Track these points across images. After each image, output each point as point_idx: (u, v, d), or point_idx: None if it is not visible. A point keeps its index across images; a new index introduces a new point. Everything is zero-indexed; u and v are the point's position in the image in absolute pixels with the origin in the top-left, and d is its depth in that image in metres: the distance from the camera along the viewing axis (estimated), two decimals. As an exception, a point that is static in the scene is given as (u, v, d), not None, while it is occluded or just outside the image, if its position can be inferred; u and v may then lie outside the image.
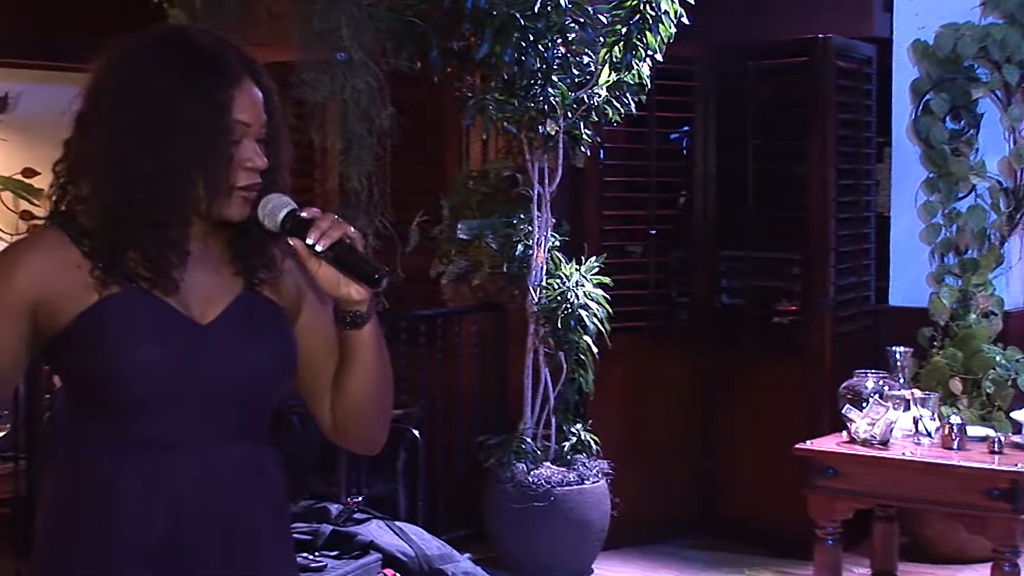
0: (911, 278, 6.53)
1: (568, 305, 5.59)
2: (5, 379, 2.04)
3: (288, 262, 2.10)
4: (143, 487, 1.98)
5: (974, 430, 4.76)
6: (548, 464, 5.68)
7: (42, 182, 8.02)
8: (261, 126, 2.02)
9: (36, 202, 7.93)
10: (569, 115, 5.57)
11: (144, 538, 1.98)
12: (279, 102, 2.08)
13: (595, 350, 5.72)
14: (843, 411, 4.70)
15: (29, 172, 8.07)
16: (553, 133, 5.58)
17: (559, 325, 5.61)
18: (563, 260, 5.77)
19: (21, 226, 8.10)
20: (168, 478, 1.99)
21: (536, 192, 5.72)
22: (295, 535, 4.79)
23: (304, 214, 1.99)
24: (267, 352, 2.06)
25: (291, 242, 1.99)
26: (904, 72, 6.55)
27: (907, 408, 4.66)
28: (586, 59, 5.62)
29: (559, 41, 5.49)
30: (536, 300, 5.69)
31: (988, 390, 5.91)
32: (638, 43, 5.50)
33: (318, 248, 1.96)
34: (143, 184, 1.95)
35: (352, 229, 1.99)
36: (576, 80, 5.59)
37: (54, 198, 2.04)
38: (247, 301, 2.07)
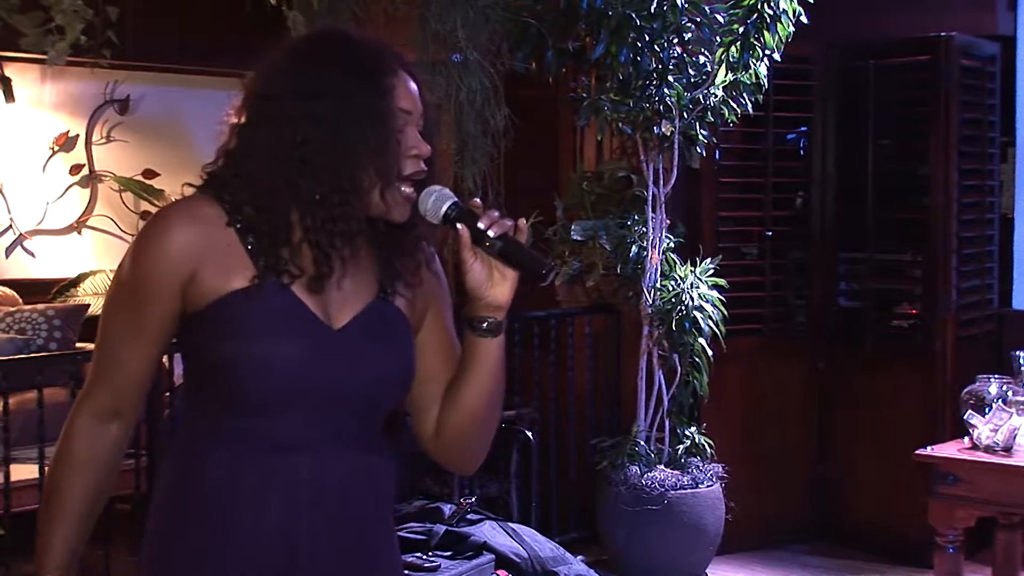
0: (1036, 281, 6.40)
1: (683, 307, 5.55)
2: (155, 359, 2.06)
3: (425, 272, 2.09)
4: (258, 487, 1.98)
5: (1101, 437, 4.63)
6: (662, 467, 5.65)
7: (162, 183, 8.16)
8: (420, 116, 2.02)
9: (156, 203, 8.07)
10: (685, 115, 5.52)
11: (257, 538, 1.99)
12: (429, 98, 2.08)
13: (710, 352, 5.67)
14: (965, 417, 4.60)
15: (149, 173, 8.21)
16: (668, 134, 5.54)
17: (673, 327, 5.56)
18: (678, 261, 5.73)
19: (141, 226, 8.24)
20: (283, 479, 1.99)
21: (651, 193, 5.68)
22: (409, 535, 4.83)
23: (474, 202, 1.98)
24: (392, 363, 2.05)
25: (458, 227, 1.96)
26: (1029, 71, 6.42)
27: (1032, 414, 4.55)
28: (702, 59, 5.57)
29: (675, 41, 5.44)
30: (650, 302, 5.65)
31: (1116, 396, 5.76)
32: (755, 43, 5.44)
33: (490, 233, 1.93)
34: (325, 176, 1.96)
35: (523, 221, 1.97)
36: (692, 80, 5.54)
37: (217, 167, 2.03)
38: (378, 309, 2.06)
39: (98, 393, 2.07)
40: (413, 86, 2.03)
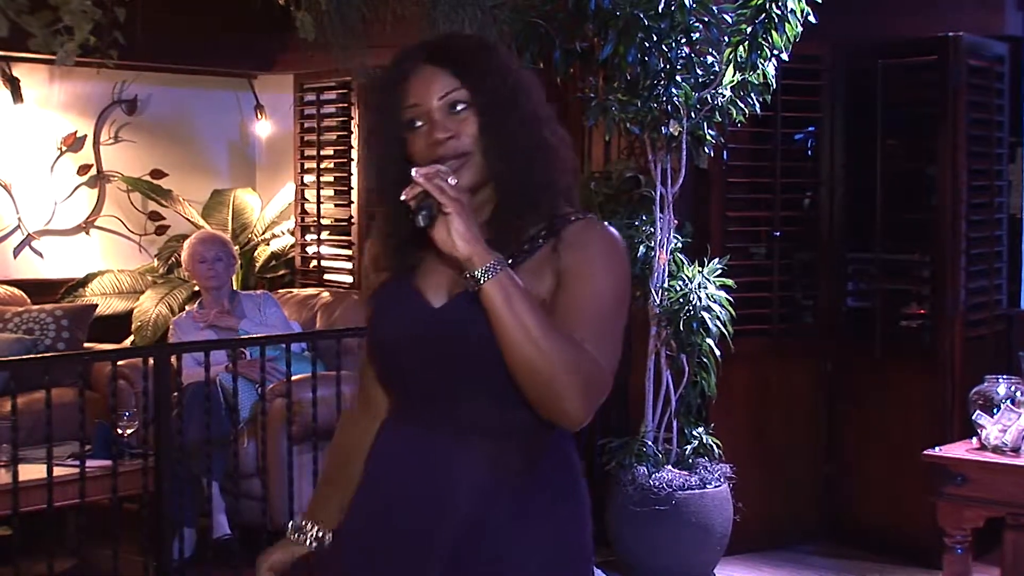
0: (1044, 281, 6.38)
1: (690, 307, 5.55)
2: None
3: (551, 252, 2.19)
4: (372, 461, 2.26)
5: (1110, 438, 4.62)
6: (669, 467, 5.64)
7: (170, 183, 8.17)
8: (439, 98, 2.13)
9: (164, 203, 8.08)
10: (693, 115, 5.52)
11: (362, 510, 2.24)
12: (486, 69, 2.16)
13: (718, 353, 5.66)
14: (974, 417, 4.60)
15: (157, 173, 8.22)
16: (676, 134, 5.54)
17: (681, 327, 5.56)
18: (686, 262, 5.73)
19: (149, 227, 8.26)
20: (387, 452, 2.22)
21: (659, 193, 5.68)
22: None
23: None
24: (488, 340, 2.05)
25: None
26: (1038, 71, 6.40)
27: (1040, 415, 4.54)
28: (710, 59, 5.57)
29: (683, 41, 5.43)
30: (658, 302, 5.65)
31: (1125, 397, 5.74)
32: (764, 42, 5.43)
33: (402, 198, 2.06)
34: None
35: (445, 182, 2.03)
36: (700, 80, 5.53)
37: None
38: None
39: (358, 392, 2.46)
40: (427, 72, 2.14)
